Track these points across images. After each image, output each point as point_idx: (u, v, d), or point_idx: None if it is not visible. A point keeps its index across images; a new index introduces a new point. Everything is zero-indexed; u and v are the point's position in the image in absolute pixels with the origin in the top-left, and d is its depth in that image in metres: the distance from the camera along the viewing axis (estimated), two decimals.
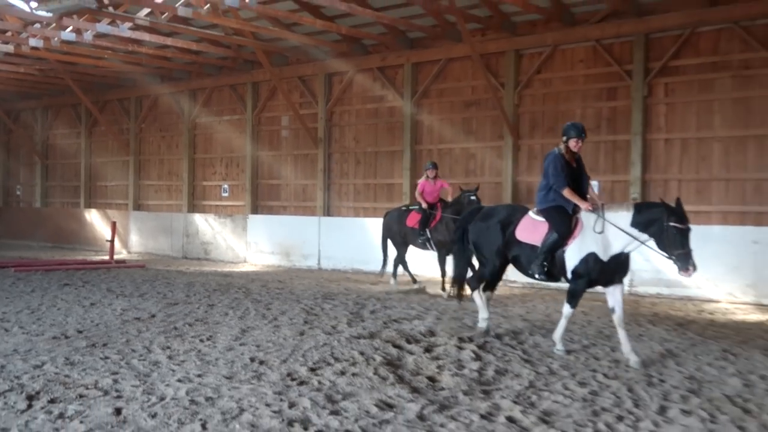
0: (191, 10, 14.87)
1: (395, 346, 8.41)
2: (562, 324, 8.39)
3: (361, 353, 7.96)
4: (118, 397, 6.35)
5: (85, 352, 8.13)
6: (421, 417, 5.91)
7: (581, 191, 8.44)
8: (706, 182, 14.08)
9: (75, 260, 19.46)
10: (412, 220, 13.90)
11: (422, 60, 17.67)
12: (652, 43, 14.52)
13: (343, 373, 7.20)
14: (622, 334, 8.01)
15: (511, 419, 5.92)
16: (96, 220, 25.09)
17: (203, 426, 5.58)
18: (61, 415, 5.81)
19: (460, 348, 8.37)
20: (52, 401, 6.21)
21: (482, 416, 5.97)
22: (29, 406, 6.05)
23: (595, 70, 15.26)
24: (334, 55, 18.78)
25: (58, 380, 6.89)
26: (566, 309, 8.33)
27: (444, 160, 17.21)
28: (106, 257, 19.46)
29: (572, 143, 8.36)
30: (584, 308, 12.04)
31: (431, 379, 7.12)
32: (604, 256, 8.00)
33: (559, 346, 8.31)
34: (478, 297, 9.44)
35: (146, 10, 15.94)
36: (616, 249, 7.98)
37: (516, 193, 16.24)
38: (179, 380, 6.93)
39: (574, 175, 8.45)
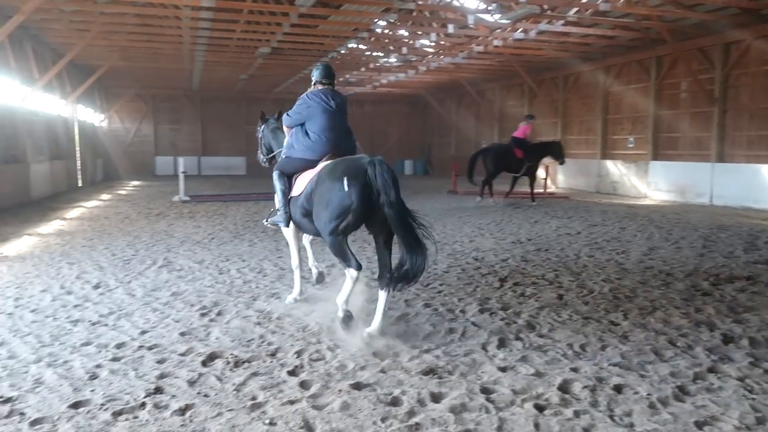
0: (609, 5, 13.90)
1: None
2: None
3: (758, 275, 6.74)
4: (559, 287, 6.38)
5: (534, 254, 8.35)
6: None
7: None
8: None
9: (523, 192, 19.10)
10: None
11: None
12: None
13: (743, 290, 6.18)
14: None
15: None
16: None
17: (624, 316, 5.29)
18: (522, 294, 6.03)
19: None
20: (516, 284, 6.48)
21: None
22: (501, 286, 6.39)
23: None
24: (733, 26, 15.75)
25: (518, 270, 7.20)
26: None
27: None
28: (541, 191, 19.49)
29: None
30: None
31: None
32: None
33: None
34: None
35: (574, 9, 15.32)
36: None
37: None
38: (603, 280, 6.68)
39: None
